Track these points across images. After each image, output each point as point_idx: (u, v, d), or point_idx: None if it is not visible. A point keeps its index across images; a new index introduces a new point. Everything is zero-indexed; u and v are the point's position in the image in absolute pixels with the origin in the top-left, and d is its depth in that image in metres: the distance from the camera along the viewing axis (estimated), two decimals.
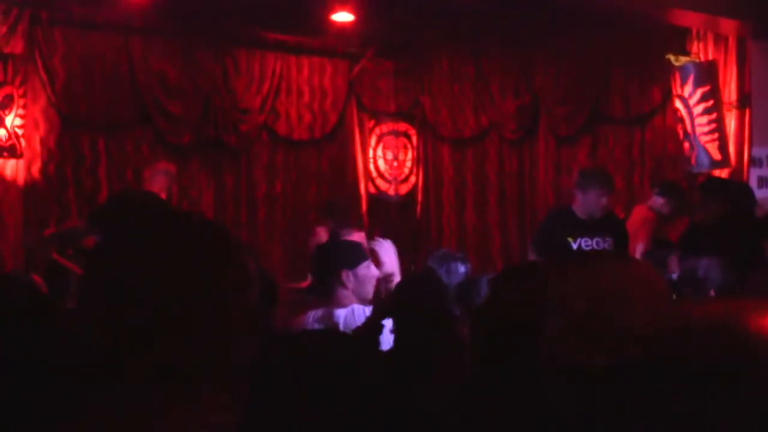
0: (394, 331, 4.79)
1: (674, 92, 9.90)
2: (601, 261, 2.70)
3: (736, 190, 8.48)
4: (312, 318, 5.90)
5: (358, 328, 5.18)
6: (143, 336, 1.45)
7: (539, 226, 8.69)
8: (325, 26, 11.30)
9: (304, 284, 9.36)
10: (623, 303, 2.31)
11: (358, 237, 8.86)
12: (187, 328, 1.46)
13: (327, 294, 5.96)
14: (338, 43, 12.44)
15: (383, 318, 4.87)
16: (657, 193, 9.29)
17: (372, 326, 4.86)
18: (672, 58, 9.79)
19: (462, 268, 6.29)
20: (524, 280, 2.06)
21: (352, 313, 5.67)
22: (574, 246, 7.93)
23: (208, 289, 1.49)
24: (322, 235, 10.12)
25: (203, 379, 1.48)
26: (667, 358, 1.92)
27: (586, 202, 7.98)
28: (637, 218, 9.09)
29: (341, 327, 5.34)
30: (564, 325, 2.36)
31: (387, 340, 5.13)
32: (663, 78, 10.27)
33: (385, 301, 5.35)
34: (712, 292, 5.91)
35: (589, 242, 7.94)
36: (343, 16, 10.81)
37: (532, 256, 8.14)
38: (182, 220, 1.60)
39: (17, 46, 10.04)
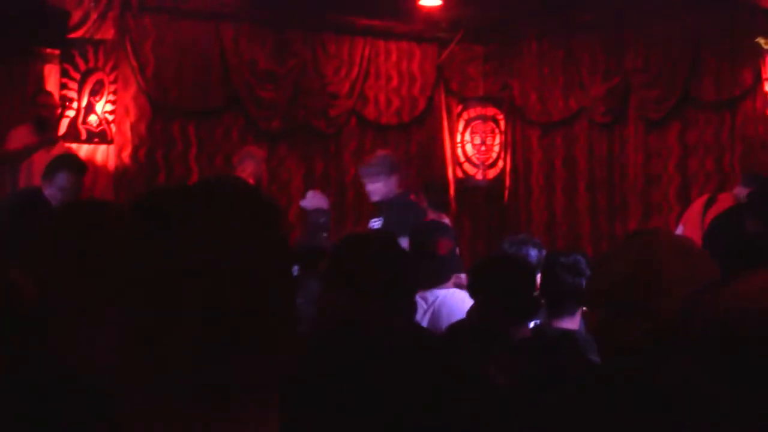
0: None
1: (764, 76, 9.72)
2: (635, 237, 2.73)
3: None
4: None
5: None
6: (192, 351, 1.36)
7: None
8: (413, 11, 11.32)
9: None
10: (657, 273, 2.32)
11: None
12: (235, 345, 1.38)
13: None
14: (426, 28, 12.44)
15: None
16: (741, 182, 9.13)
17: None
18: (762, 41, 9.59)
19: (534, 253, 6.24)
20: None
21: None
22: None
23: (256, 301, 1.39)
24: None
25: (248, 398, 1.40)
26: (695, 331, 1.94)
27: None
28: (721, 208, 8.90)
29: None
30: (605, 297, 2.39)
31: None
32: (753, 61, 10.08)
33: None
34: None
35: (374, 222, 8.55)
36: (431, 1, 10.79)
37: None
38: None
39: (108, 32, 10.20)
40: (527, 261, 5.82)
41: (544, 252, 6.35)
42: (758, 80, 10.08)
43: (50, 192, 7.50)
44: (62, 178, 7.52)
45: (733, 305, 1.82)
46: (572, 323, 5.14)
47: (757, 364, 1.74)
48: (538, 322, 5.33)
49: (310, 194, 8.67)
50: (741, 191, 9.11)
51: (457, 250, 6.58)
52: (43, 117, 9.38)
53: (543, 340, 4.89)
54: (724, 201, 9.27)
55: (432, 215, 9.99)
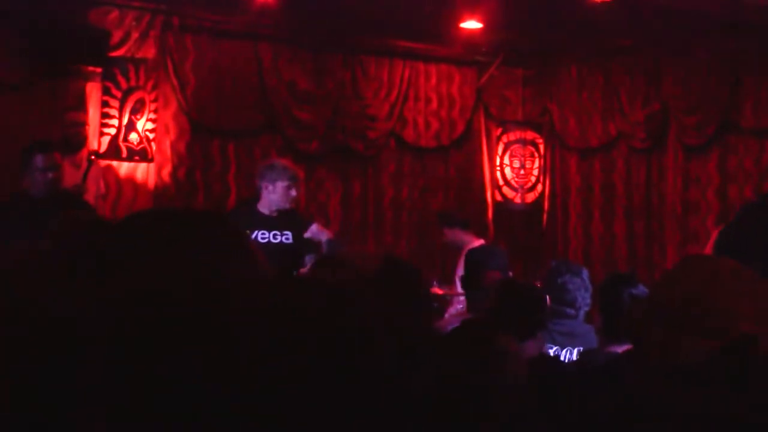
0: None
1: None
2: (695, 261, 2.70)
3: None
4: None
5: None
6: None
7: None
8: (453, 34, 11.30)
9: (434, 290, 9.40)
10: (719, 299, 2.29)
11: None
12: None
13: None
14: (467, 51, 12.44)
15: None
16: None
17: None
18: None
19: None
20: None
21: None
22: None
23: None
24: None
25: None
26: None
27: (271, 196, 8.05)
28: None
29: None
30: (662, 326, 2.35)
31: None
32: None
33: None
34: None
35: (266, 235, 7.97)
36: (471, 24, 10.78)
37: None
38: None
39: (149, 51, 10.24)
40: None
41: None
42: None
43: (32, 178, 7.36)
44: (39, 160, 7.34)
45: None
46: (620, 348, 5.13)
47: None
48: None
49: (314, 227, 8.46)
50: None
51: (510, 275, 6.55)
52: (69, 135, 9.36)
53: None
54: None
55: (464, 236, 9.94)
